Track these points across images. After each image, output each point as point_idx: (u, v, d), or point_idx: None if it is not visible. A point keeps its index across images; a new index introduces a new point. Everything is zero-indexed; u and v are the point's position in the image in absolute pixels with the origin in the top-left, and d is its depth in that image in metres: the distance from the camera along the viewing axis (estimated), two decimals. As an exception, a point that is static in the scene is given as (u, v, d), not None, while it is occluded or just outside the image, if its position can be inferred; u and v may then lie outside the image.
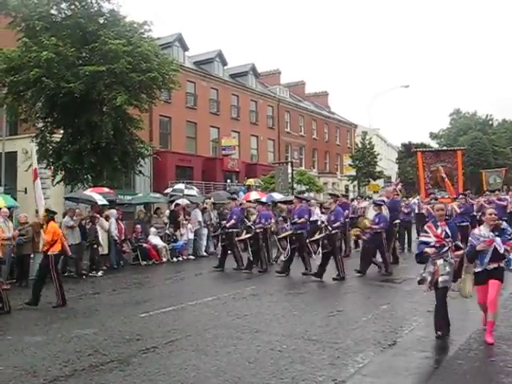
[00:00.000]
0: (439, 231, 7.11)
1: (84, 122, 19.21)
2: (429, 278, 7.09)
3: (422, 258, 7.25)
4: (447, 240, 7.04)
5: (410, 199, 22.97)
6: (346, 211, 16.50)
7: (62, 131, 20.93)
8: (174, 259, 17.85)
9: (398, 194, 18.88)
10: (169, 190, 23.54)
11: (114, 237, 16.19)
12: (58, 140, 20.66)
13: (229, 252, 15.32)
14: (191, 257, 18.57)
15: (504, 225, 7.13)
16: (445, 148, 36.52)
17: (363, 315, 8.74)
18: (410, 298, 10.03)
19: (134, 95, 20.12)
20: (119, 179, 24.89)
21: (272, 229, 15.59)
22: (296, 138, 48.22)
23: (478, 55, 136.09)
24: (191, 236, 18.77)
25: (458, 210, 16.24)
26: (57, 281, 10.19)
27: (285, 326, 8.12)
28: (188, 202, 20.17)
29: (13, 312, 9.69)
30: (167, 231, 18.40)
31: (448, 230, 7.10)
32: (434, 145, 66.68)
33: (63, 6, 20.23)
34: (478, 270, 6.93)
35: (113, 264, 16.07)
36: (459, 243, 7.21)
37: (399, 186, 23.68)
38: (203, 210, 19.63)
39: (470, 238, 7.15)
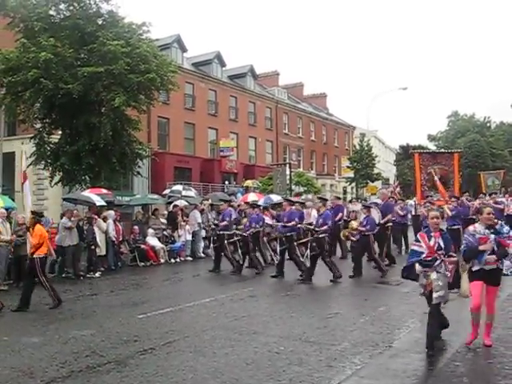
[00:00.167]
0: (432, 243, 6.72)
1: (82, 123, 19.21)
2: (421, 291, 6.83)
3: (408, 273, 6.93)
4: (439, 253, 6.66)
5: (407, 201, 22.96)
6: (340, 213, 16.50)
7: (60, 132, 20.94)
8: (172, 260, 17.84)
9: (393, 197, 18.90)
10: (167, 192, 23.54)
11: (112, 238, 16.17)
12: (56, 141, 20.65)
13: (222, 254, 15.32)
14: (189, 258, 18.55)
15: (499, 224, 6.92)
16: (442, 150, 36.56)
17: (360, 317, 8.75)
18: (407, 299, 10.04)
19: (132, 96, 20.11)
20: (117, 180, 24.88)
21: (266, 231, 15.54)
22: (294, 140, 48.26)
23: (476, 58, 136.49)
24: (189, 237, 18.75)
25: (450, 213, 16.20)
26: (46, 283, 10.06)
27: (282, 328, 8.12)
28: (186, 204, 20.17)
29: (10, 313, 9.68)
30: (165, 232, 18.39)
31: (441, 242, 6.71)
32: (432, 147, 66.80)
33: (62, 6, 20.23)
34: (475, 268, 6.67)
35: (110, 265, 16.05)
36: (454, 254, 6.84)
37: (398, 189, 23.71)
38: (201, 212, 19.62)
39: (465, 236, 6.96)
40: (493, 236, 6.62)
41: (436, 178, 19.31)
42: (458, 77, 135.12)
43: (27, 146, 20.93)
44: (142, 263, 16.92)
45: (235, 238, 15.00)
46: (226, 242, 14.95)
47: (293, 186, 31.21)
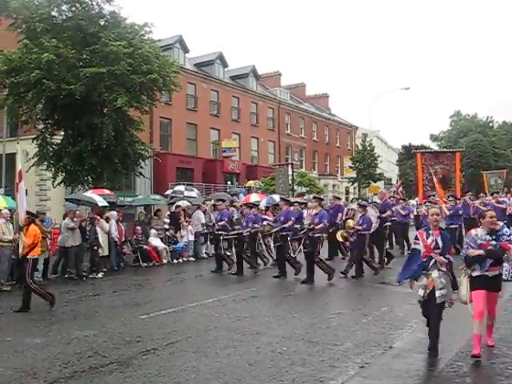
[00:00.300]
0: (429, 241, 6.55)
1: (84, 124, 19.23)
2: (421, 292, 6.56)
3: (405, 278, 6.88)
4: (436, 251, 6.49)
5: (410, 201, 22.93)
6: (340, 214, 16.50)
7: (62, 133, 20.95)
8: (175, 261, 17.85)
9: (394, 197, 18.86)
10: (169, 192, 23.55)
11: (115, 238, 16.19)
12: (59, 142, 20.68)
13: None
14: (191, 258, 18.56)
15: (500, 225, 6.67)
16: (444, 150, 36.53)
17: (363, 317, 8.75)
18: (410, 299, 9.99)
19: (134, 97, 20.13)
20: (120, 181, 24.92)
21: (266, 230, 15.54)
22: (296, 140, 48.23)
23: (478, 58, 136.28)
24: (191, 238, 18.76)
25: (448, 212, 16.11)
26: (32, 285, 9.91)
27: (285, 328, 8.12)
28: (188, 204, 20.17)
29: (12, 314, 9.69)
30: (167, 233, 18.41)
31: (440, 241, 6.53)
32: (435, 147, 66.55)
33: (64, 7, 20.24)
34: (476, 274, 6.46)
35: (113, 266, 16.07)
36: (449, 258, 6.59)
37: (401, 188, 23.71)
38: (204, 212, 19.61)
39: (467, 240, 6.76)
40: (494, 242, 6.42)
41: (435, 179, 19.30)
42: (460, 76, 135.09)
43: (30, 147, 20.99)
44: (145, 264, 16.94)
45: (230, 236, 14.98)
46: (221, 239, 14.95)
47: (295, 187, 31.20)
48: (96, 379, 5.92)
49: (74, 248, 14.39)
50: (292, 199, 17.01)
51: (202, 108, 37.58)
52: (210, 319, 8.84)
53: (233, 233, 15.03)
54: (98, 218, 15.70)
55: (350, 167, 46.48)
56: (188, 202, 20.40)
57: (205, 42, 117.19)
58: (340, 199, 19.48)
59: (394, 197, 20.58)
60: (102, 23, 20.36)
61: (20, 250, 10.16)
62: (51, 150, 20.49)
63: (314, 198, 14.96)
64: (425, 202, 17.55)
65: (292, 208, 14.15)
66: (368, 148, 45.12)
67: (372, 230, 13.81)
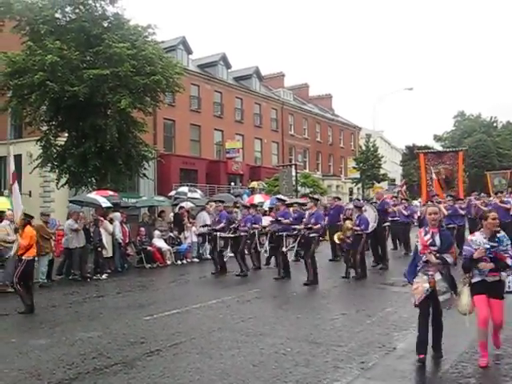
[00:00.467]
0: (426, 238, 6.30)
1: (88, 126, 19.28)
2: (414, 300, 6.34)
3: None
4: (432, 249, 6.20)
5: (413, 202, 22.87)
6: (341, 215, 16.45)
7: (66, 134, 21.03)
8: (179, 262, 17.85)
9: (396, 197, 18.80)
10: (173, 193, 23.57)
11: (119, 240, 16.20)
12: (63, 143, 20.75)
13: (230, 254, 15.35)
14: (195, 260, 18.57)
15: (502, 234, 6.26)
16: (447, 149, 36.45)
17: (367, 318, 8.73)
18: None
19: (138, 98, 20.19)
20: (123, 182, 24.94)
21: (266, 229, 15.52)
22: (300, 141, 48.23)
23: (482, 58, 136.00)
24: (195, 239, 18.75)
25: (446, 212, 15.99)
26: (18, 287, 9.83)
27: (289, 329, 8.12)
28: (192, 205, 20.16)
29: (17, 315, 9.70)
30: (171, 234, 18.41)
31: (437, 239, 6.25)
32: (438, 147, 66.31)
33: (68, 9, 20.32)
34: (475, 280, 6.17)
35: (117, 267, 16.08)
36: (446, 258, 6.23)
37: (404, 188, 23.65)
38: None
39: (464, 246, 6.45)
40: (488, 246, 6.07)
41: (434, 177, 19.25)
42: (463, 77, 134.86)
43: (34, 149, 21.06)
44: (149, 265, 16.94)
45: (227, 235, 14.93)
46: (218, 238, 14.91)
47: (299, 187, 31.18)
48: (100, 380, 5.92)
49: (78, 249, 14.40)
50: (289, 200, 16.91)
51: (206, 109, 37.62)
52: (214, 320, 8.83)
53: (227, 234, 14.97)
54: (102, 219, 15.72)
55: (354, 168, 46.47)
56: (192, 203, 20.39)
57: (208, 44, 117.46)
58: (340, 199, 19.38)
59: (396, 197, 20.54)
60: (106, 25, 20.43)
61: (14, 250, 10.15)
62: (55, 151, 20.56)
63: (310, 198, 14.88)
64: (426, 202, 17.49)
65: (291, 209, 14.10)
66: (372, 148, 45.11)
67: (370, 230, 13.79)
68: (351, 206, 17.11)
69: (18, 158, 25.60)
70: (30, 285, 10.33)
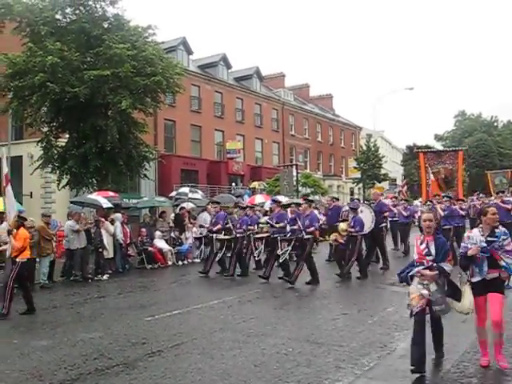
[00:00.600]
0: (422, 247, 6.06)
1: (89, 126, 19.28)
2: (410, 309, 5.99)
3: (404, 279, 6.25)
4: (427, 259, 5.97)
5: (414, 201, 22.86)
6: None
7: (67, 135, 21.02)
8: (180, 262, 17.86)
9: (396, 197, 18.79)
10: (174, 194, 23.58)
11: (120, 240, 16.22)
12: (63, 144, 20.74)
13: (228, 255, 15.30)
14: (196, 260, 18.55)
15: (502, 230, 6.09)
16: (446, 148, 36.34)
17: (368, 318, 8.73)
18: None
19: (138, 99, 20.18)
20: (124, 183, 24.97)
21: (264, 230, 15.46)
22: (300, 141, 48.22)
23: (482, 57, 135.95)
24: (196, 239, 18.73)
25: (442, 213, 15.89)
26: (10, 290, 9.76)
27: (290, 329, 8.12)
28: (193, 206, 20.16)
29: (18, 316, 9.71)
30: (172, 235, 18.41)
31: (433, 248, 5.99)
32: (439, 147, 66.19)
33: (68, 10, 20.31)
34: (475, 279, 6.00)
35: (118, 268, 16.09)
36: (444, 267, 5.95)
37: (405, 188, 23.67)
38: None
39: (461, 245, 6.29)
40: (484, 244, 5.89)
41: (432, 178, 19.26)
42: (464, 76, 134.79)
43: (35, 150, 21.06)
44: (150, 265, 16.96)
45: (223, 237, 14.89)
46: (214, 239, 14.85)
47: (300, 188, 31.18)
48: (102, 381, 5.92)
49: (80, 250, 14.41)
50: (285, 201, 16.84)
51: (206, 110, 37.62)
52: (216, 321, 8.84)
53: (223, 236, 14.91)
54: (103, 220, 15.73)
55: (355, 168, 46.43)
56: (192, 203, 20.39)
57: (208, 44, 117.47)
58: (338, 200, 19.31)
59: (396, 197, 20.53)
60: (106, 26, 20.43)
61: (8, 253, 10.14)
62: (56, 152, 20.56)
63: (305, 199, 14.75)
64: (426, 202, 17.48)
65: (289, 210, 14.03)
66: (372, 148, 45.07)
67: (367, 231, 13.76)
68: (347, 207, 17.12)
69: (18, 159, 25.73)
70: (28, 286, 10.33)
